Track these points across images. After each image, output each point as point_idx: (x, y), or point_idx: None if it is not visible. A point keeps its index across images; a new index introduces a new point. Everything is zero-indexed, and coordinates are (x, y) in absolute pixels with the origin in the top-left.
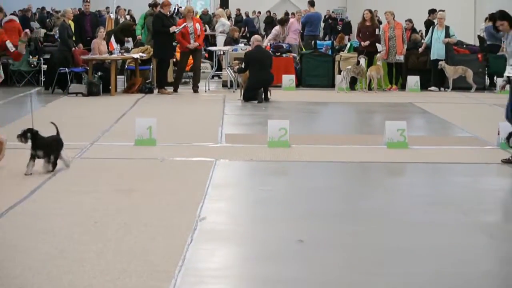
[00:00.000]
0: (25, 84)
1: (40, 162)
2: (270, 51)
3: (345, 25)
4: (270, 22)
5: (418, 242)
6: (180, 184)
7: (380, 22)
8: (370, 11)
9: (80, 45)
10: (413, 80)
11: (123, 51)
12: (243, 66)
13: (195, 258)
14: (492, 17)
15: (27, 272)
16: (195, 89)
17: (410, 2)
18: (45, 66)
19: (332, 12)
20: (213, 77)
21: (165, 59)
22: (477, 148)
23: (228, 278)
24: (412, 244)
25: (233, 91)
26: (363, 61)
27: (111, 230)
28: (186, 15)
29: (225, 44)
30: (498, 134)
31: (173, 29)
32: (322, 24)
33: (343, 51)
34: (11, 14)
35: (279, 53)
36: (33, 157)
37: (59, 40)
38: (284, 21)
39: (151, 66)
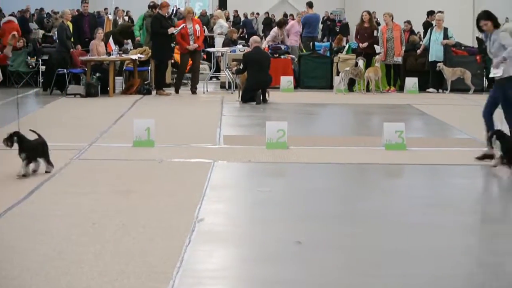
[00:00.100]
0: (23, 85)
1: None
2: (269, 53)
3: (342, 26)
4: (269, 23)
5: (416, 243)
6: (178, 186)
7: (379, 24)
8: (368, 12)
9: (79, 46)
10: (411, 82)
11: (121, 52)
12: (241, 67)
13: (193, 259)
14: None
15: (25, 273)
16: (194, 90)
17: (409, 3)
18: (44, 67)
19: (331, 13)
20: (211, 78)
21: (164, 60)
22: (475, 150)
23: (226, 279)
24: (410, 245)
25: (232, 93)
26: (361, 62)
27: (109, 231)
28: (186, 16)
29: (224, 45)
30: None
31: (171, 30)
32: (321, 26)
33: (342, 52)
34: (10, 15)
35: (277, 55)
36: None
37: (57, 41)
38: (282, 23)
39: (149, 68)
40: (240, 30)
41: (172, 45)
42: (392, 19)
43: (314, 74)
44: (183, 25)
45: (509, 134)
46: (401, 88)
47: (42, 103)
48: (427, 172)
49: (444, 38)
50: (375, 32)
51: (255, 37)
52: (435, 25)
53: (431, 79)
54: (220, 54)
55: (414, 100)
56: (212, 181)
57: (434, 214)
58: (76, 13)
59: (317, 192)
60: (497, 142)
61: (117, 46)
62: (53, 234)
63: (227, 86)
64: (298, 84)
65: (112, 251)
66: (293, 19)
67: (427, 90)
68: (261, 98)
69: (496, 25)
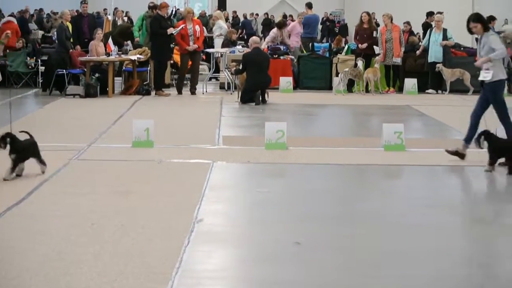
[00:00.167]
0: (22, 85)
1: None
2: (268, 53)
3: (341, 27)
4: (268, 24)
5: (415, 244)
6: (177, 186)
7: (378, 25)
8: (368, 13)
9: (78, 46)
10: (410, 83)
11: (120, 52)
12: (240, 67)
13: (192, 260)
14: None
15: (24, 274)
16: (193, 91)
17: (408, 4)
18: (43, 67)
19: (330, 14)
20: (210, 79)
21: (163, 61)
22: (474, 151)
23: (225, 280)
24: (409, 246)
25: (231, 93)
26: (360, 63)
27: (108, 232)
28: (186, 16)
29: (223, 46)
30: None
31: (170, 30)
32: (320, 26)
33: (341, 53)
34: (9, 15)
35: (276, 55)
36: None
37: (56, 41)
38: (282, 24)
39: (148, 68)
40: (239, 31)
41: (171, 45)
42: (391, 20)
43: (313, 74)
44: (182, 25)
45: (496, 135)
46: (400, 89)
47: (42, 104)
48: (426, 173)
49: (443, 39)
50: (375, 33)
51: (254, 38)
52: (434, 26)
53: (430, 80)
54: (219, 55)
55: (413, 101)
56: (211, 181)
57: (433, 215)
58: (76, 13)
59: (316, 193)
60: (485, 142)
61: (116, 46)
62: (52, 235)
63: (226, 87)
64: (297, 85)
65: (111, 252)
66: (292, 19)
67: (426, 91)
68: (260, 98)
69: (486, 28)
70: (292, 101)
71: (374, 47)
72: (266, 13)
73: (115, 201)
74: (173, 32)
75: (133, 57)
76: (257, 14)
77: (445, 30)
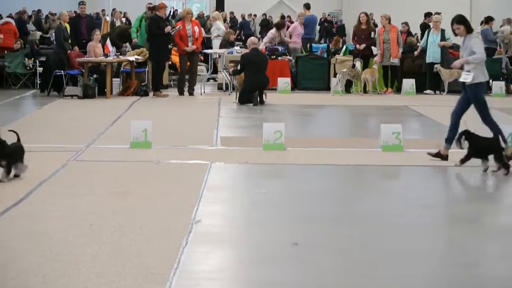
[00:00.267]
0: (20, 86)
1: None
2: (266, 54)
3: (338, 28)
4: (266, 25)
5: (413, 245)
6: (175, 187)
7: (376, 25)
8: (366, 14)
9: (76, 47)
10: (408, 83)
11: (118, 53)
12: (238, 68)
13: (190, 260)
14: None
15: (23, 275)
16: (191, 92)
17: (406, 5)
18: (41, 68)
19: (328, 15)
20: (208, 79)
21: (161, 61)
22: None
23: (223, 281)
24: (407, 247)
25: (229, 94)
26: (358, 64)
27: (106, 232)
28: (185, 17)
29: (221, 47)
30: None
31: (168, 29)
32: (318, 27)
33: (339, 54)
34: (7, 16)
35: (274, 56)
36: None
37: (55, 42)
38: (281, 25)
39: (146, 69)
40: (237, 32)
41: (170, 46)
42: (389, 21)
43: (311, 75)
44: (179, 25)
45: (477, 134)
46: (398, 90)
47: (40, 105)
48: (424, 174)
49: (441, 40)
50: (372, 33)
51: (252, 39)
52: (432, 27)
53: (428, 81)
54: (217, 56)
55: (411, 101)
56: (209, 182)
57: (431, 216)
58: (74, 14)
59: (314, 193)
60: (466, 142)
61: (114, 47)
62: (51, 235)
63: (224, 88)
64: (295, 86)
65: (109, 253)
66: (290, 20)
67: (424, 91)
68: (258, 99)
69: (469, 30)
70: (290, 102)
71: (372, 47)
72: (264, 14)
73: (113, 202)
74: (171, 32)
75: (131, 58)
76: (255, 15)
77: (443, 31)
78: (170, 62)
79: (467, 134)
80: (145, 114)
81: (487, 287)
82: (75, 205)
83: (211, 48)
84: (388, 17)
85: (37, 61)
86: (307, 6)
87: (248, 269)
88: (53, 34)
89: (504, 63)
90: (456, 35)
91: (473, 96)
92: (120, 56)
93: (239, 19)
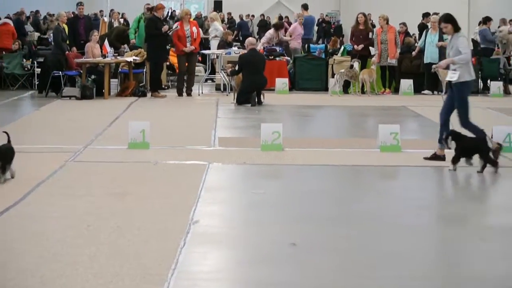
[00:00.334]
0: (19, 87)
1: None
2: (264, 55)
3: (335, 28)
4: (264, 25)
5: (411, 245)
6: (173, 188)
7: (374, 26)
8: (364, 14)
9: (74, 48)
10: (406, 84)
11: (116, 54)
12: (236, 68)
13: (188, 261)
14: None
15: (20, 275)
16: (189, 93)
17: (404, 5)
18: (39, 69)
19: (326, 15)
20: (206, 80)
21: (159, 62)
22: None
23: (220, 281)
24: (405, 247)
25: (227, 95)
26: (356, 64)
27: (104, 233)
28: (183, 17)
29: (219, 47)
30: (492, 137)
31: (165, 28)
32: (316, 28)
33: (337, 54)
34: (5, 17)
35: (272, 57)
36: None
37: (53, 43)
38: (279, 26)
39: (144, 70)
40: (235, 32)
41: (167, 47)
42: (387, 22)
43: (309, 76)
44: (176, 25)
45: (463, 134)
46: (396, 90)
47: (38, 105)
48: (422, 174)
49: (439, 40)
50: (370, 34)
51: (250, 39)
52: (430, 27)
53: (426, 81)
54: (215, 56)
55: (409, 102)
56: (207, 183)
57: (429, 216)
58: (72, 15)
59: (312, 194)
60: (453, 142)
61: (112, 48)
62: (49, 236)
63: (222, 88)
64: (293, 86)
65: (107, 253)
66: (288, 21)
67: (422, 92)
68: (256, 100)
69: (456, 29)
70: (288, 102)
71: (370, 48)
72: (262, 15)
73: (111, 203)
74: (169, 33)
75: (129, 59)
76: (253, 16)
77: (441, 31)
78: (168, 63)
79: (454, 134)
80: (143, 115)
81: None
82: (73, 206)
83: (209, 48)
84: (386, 18)
85: (35, 62)
86: (305, 7)
87: (246, 270)
88: (51, 35)
89: (502, 63)
90: (443, 33)
91: (458, 96)
92: (118, 57)
93: (237, 20)
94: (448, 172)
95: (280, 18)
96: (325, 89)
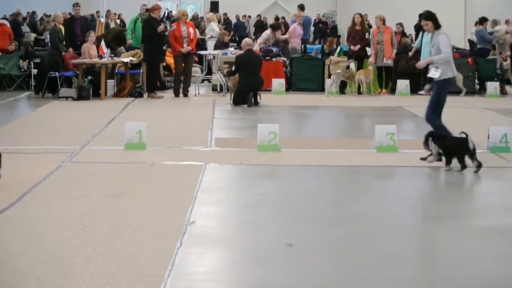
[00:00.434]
0: (15, 88)
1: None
2: (260, 55)
3: (331, 29)
4: (260, 26)
5: (407, 245)
6: (169, 188)
7: (370, 26)
8: (360, 15)
9: (70, 49)
10: (403, 84)
11: (113, 55)
12: (233, 69)
13: (184, 262)
14: (419, 17)
15: (17, 277)
16: (185, 93)
17: (401, 6)
18: (36, 70)
19: (322, 16)
20: (203, 81)
21: (155, 63)
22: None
23: (217, 282)
24: (402, 247)
25: (223, 95)
26: (352, 65)
27: (100, 234)
28: (180, 18)
29: (215, 48)
30: (488, 138)
31: (160, 28)
32: (312, 28)
33: (333, 55)
34: (2, 18)
35: (269, 57)
36: None
37: (49, 44)
38: (276, 26)
39: (141, 70)
40: (232, 33)
41: (164, 47)
42: (384, 22)
43: (305, 76)
44: (173, 25)
45: (443, 134)
46: (392, 91)
47: (34, 106)
48: (419, 174)
49: None
50: (367, 34)
51: (247, 40)
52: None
53: (422, 81)
54: (211, 57)
55: (406, 102)
56: (204, 183)
57: (425, 216)
58: (68, 16)
59: (308, 194)
60: (433, 144)
61: (108, 49)
62: (45, 237)
63: (218, 89)
64: (290, 87)
65: (103, 254)
66: (284, 21)
67: (419, 92)
68: (253, 100)
69: (437, 26)
70: (285, 103)
71: (366, 48)
72: (259, 15)
73: (108, 204)
74: (166, 33)
75: (126, 60)
76: (249, 16)
77: None
78: (164, 64)
79: (434, 136)
80: (139, 116)
81: (483, 287)
82: (69, 207)
83: (206, 49)
84: (382, 18)
85: (32, 63)
86: (301, 7)
87: (242, 270)
88: (48, 36)
89: (498, 63)
90: (423, 31)
91: (437, 90)
92: (115, 58)
93: (234, 20)
94: (444, 172)
95: (277, 18)
96: (322, 89)
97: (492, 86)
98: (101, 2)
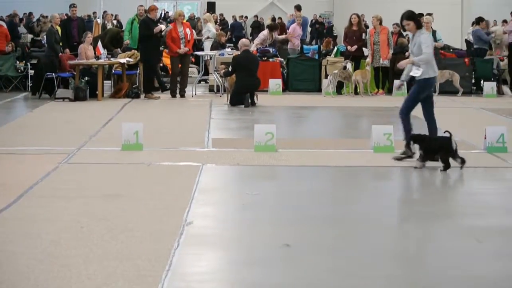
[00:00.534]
0: (12, 89)
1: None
2: (257, 56)
3: (327, 29)
4: (257, 26)
5: (405, 245)
6: (166, 189)
7: (367, 27)
8: (357, 15)
9: (67, 50)
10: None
11: (110, 56)
12: (229, 69)
13: (181, 262)
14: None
15: (14, 277)
16: (182, 94)
17: (397, 6)
18: (32, 71)
19: (319, 16)
20: (200, 81)
21: (152, 64)
22: (464, 152)
23: (214, 283)
24: (399, 247)
25: (220, 96)
26: (349, 65)
27: (97, 235)
28: (177, 19)
29: (212, 48)
30: (485, 138)
31: (157, 29)
32: (309, 29)
33: (330, 55)
34: None
35: (265, 58)
36: None
37: (46, 45)
38: (273, 27)
39: (137, 71)
40: (228, 33)
41: (161, 48)
42: (381, 22)
43: (302, 77)
44: (169, 26)
45: (424, 134)
46: (389, 91)
47: (31, 107)
48: (416, 175)
49: None
50: (364, 35)
51: (244, 40)
52: (424, 28)
53: None
54: (208, 58)
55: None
56: (201, 184)
57: (423, 216)
58: (65, 17)
59: (305, 194)
60: (415, 145)
61: (105, 50)
62: (42, 238)
63: (215, 90)
64: (287, 87)
65: (100, 255)
66: (281, 22)
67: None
68: (250, 101)
69: (419, 26)
70: (282, 103)
71: (363, 49)
72: (256, 16)
73: (105, 204)
74: (162, 33)
75: (122, 60)
76: (246, 17)
77: (434, 32)
78: (161, 64)
79: (416, 138)
80: (136, 116)
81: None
82: (66, 208)
83: (202, 50)
84: (379, 18)
85: (29, 64)
86: (298, 8)
87: (239, 271)
88: (45, 36)
89: (495, 63)
90: (405, 30)
91: (417, 89)
92: (112, 59)
93: (230, 21)
94: (441, 173)
95: (273, 19)
96: (319, 90)
97: (489, 86)
98: (98, 3)
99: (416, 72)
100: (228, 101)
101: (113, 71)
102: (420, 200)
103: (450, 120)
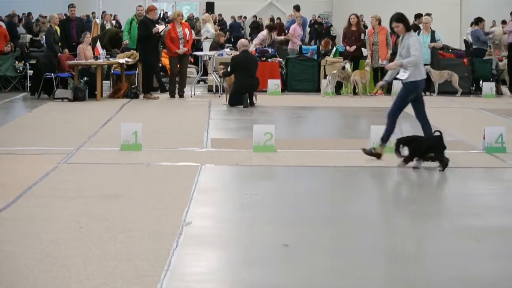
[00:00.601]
0: (11, 89)
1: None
2: (256, 56)
3: (325, 29)
4: (256, 27)
5: (404, 246)
6: (165, 189)
7: (366, 27)
8: (356, 15)
9: (66, 50)
10: (398, 85)
11: (108, 56)
12: (228, 70)
13: (180, 262)
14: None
15: (13, 277)
16: (181, 94)
17: (396, 6)
18: (31, 71)
19: (318, 16)
20: (198, 82)
21: (151, 64)
22: (463, 153)
23: (213, 283)
24: (397, 247)
25: (219, 96)
26: (348, 66)
27: (96, 235)
28: (176, 19)
29: (211, 49)
30: (484, 138)
31: (155, 29)
32: (308, 29)
33: (329, 55)
34: None
35: (264, 58)
36: None
37: (45, 45)
38: (272, 27)
39: (136, 71)
40: (227, 34)
41: (160, 48)
42: (379, 22)
43: (301, 77)
44: (168, 26)
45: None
46: (388, 91)
47: (30, 107)
48: (415, 175)
49: (431, 41)
50: (363, 35)
51: (243, 41)
52: (422, 28)
53: None
54: (207, 58)
55: None
56: (200, 184)
57: (422, 216)
58: (64, 17)
59: (304, 195)
60: (405, 148)
61: (104, 50)
62: (41, 238)
63: (214, 90)
64: (286, 87)
65: (99, 255)
66: (280, 22)
67: None
68: (249, 101)
69: (408, 28)
70: (280, 104)
71: (362, 49)
72: (255, 16)
73: (104, 204)
74: (161, 33)
75: (121, 61)
76: (245, 17)
77: (433, 32)
78: (160, 65)
79: (404, 141)
80: (135, 117)
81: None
82: (65, 208)
83: (201, 50)
84: (378, 18)
85: (27, 64)
86: (297, 8)
87: (238, 271)
88: (43, 37)
89: (494, 64)
90: (394, 32)
91: (404, 92)
92: (110, 59)
93: (229, 21)
94: (440, 173)
95: (272, 19)
96: (317, 90)
97: (488, 87)
98: (97, 3)
99: (403, 75)
100: (227, 101)
101: (112, 71)
102: (418, 200)
103: (449, 120)
